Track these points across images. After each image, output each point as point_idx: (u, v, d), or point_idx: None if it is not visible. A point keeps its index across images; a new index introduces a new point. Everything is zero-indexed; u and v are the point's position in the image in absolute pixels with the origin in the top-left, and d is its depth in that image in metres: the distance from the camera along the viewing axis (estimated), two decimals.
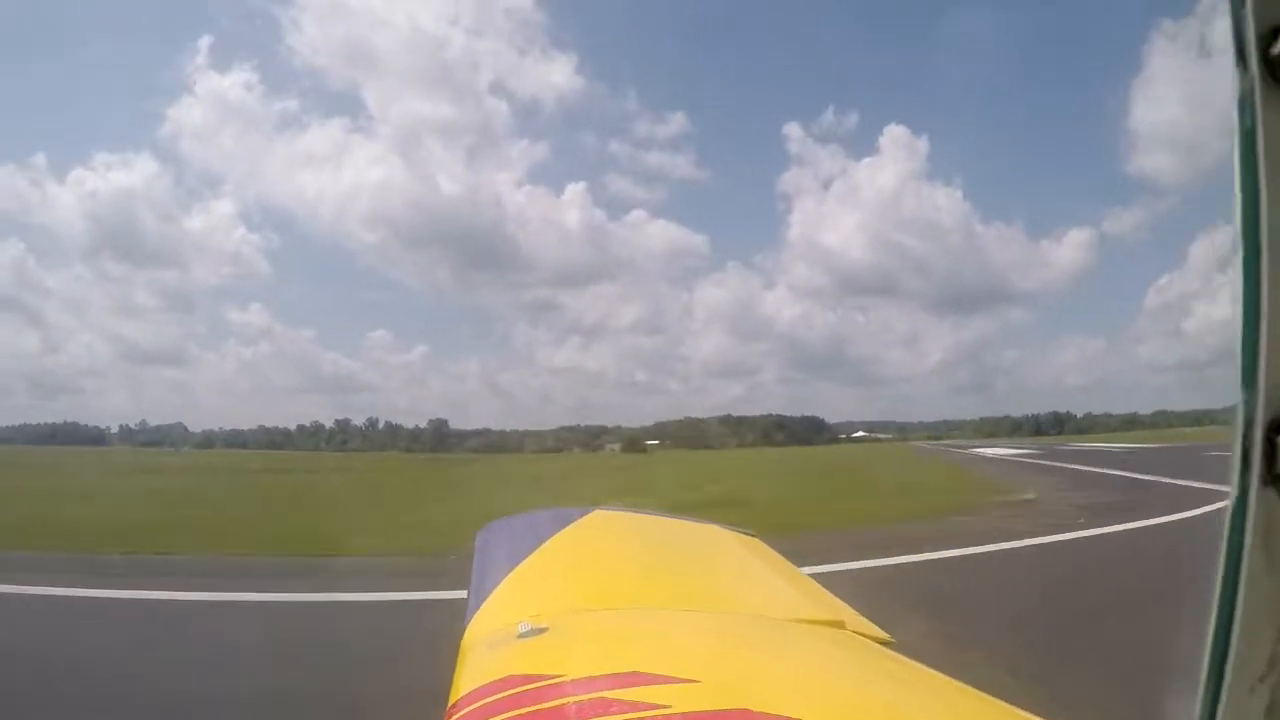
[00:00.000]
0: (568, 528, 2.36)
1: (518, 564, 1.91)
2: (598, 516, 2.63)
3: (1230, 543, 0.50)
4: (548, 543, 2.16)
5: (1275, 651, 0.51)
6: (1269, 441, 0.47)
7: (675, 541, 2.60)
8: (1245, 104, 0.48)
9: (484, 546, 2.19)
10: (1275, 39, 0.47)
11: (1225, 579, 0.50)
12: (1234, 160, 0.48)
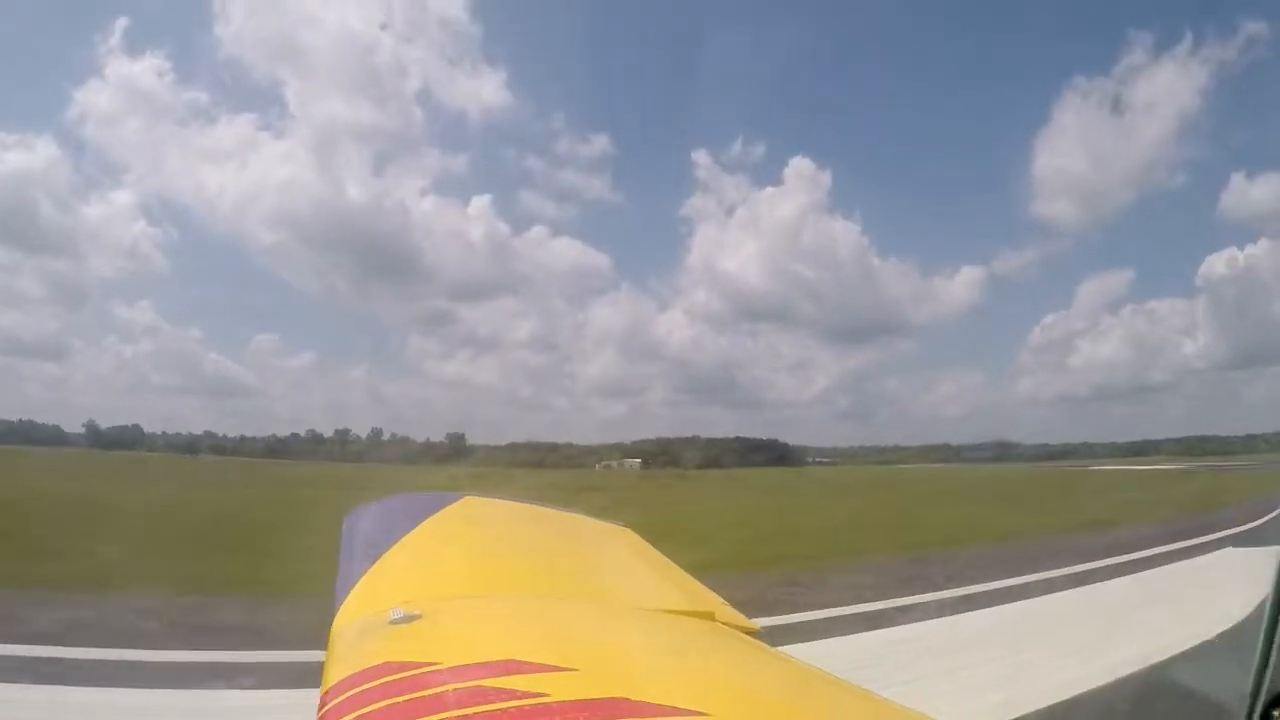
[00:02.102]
0: (437, 513, 2.31)
1: (387, 549, 1.84)
2: (468, 503, 2.59)
3: None
4: (417, 528, 2.10)
5: None
6: None
7: (547, 530, 2.60)
8: None
9: (352, 531, 2.10)
10: None
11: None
12: None
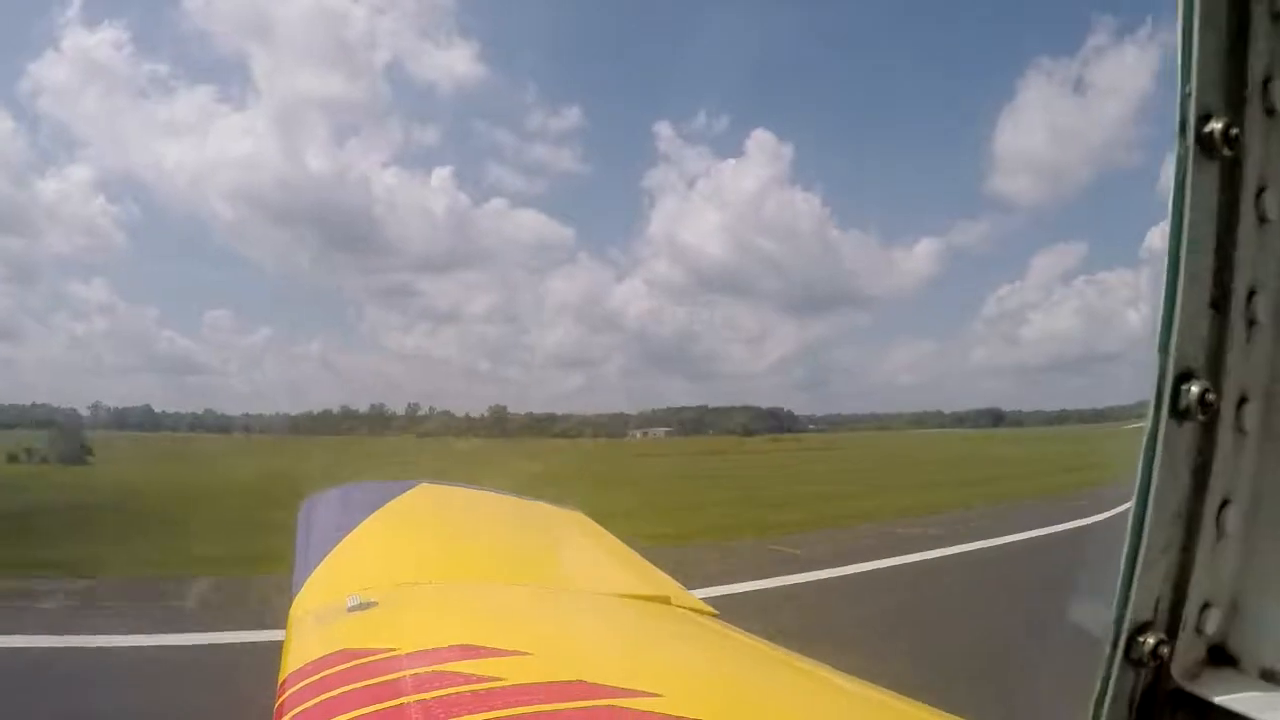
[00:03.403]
0: (393, 501, 2.30)
1: (343, 537, 1.84)
2: (423, 490, 2.59)
3: (1144, 465, 0.72)
4: (373, 516, 2.09)
5: (1171, 539, 0.73)
6: (1175, 388, 0.71)
7: (503, 517, 2.61)
8: (1181, 164, 0.70)
9: (308, 519, 2.08)
10: (1207, 121, 0.69)
11: (1139, 495, 0.73)
12: (1168, 201, 0.70)
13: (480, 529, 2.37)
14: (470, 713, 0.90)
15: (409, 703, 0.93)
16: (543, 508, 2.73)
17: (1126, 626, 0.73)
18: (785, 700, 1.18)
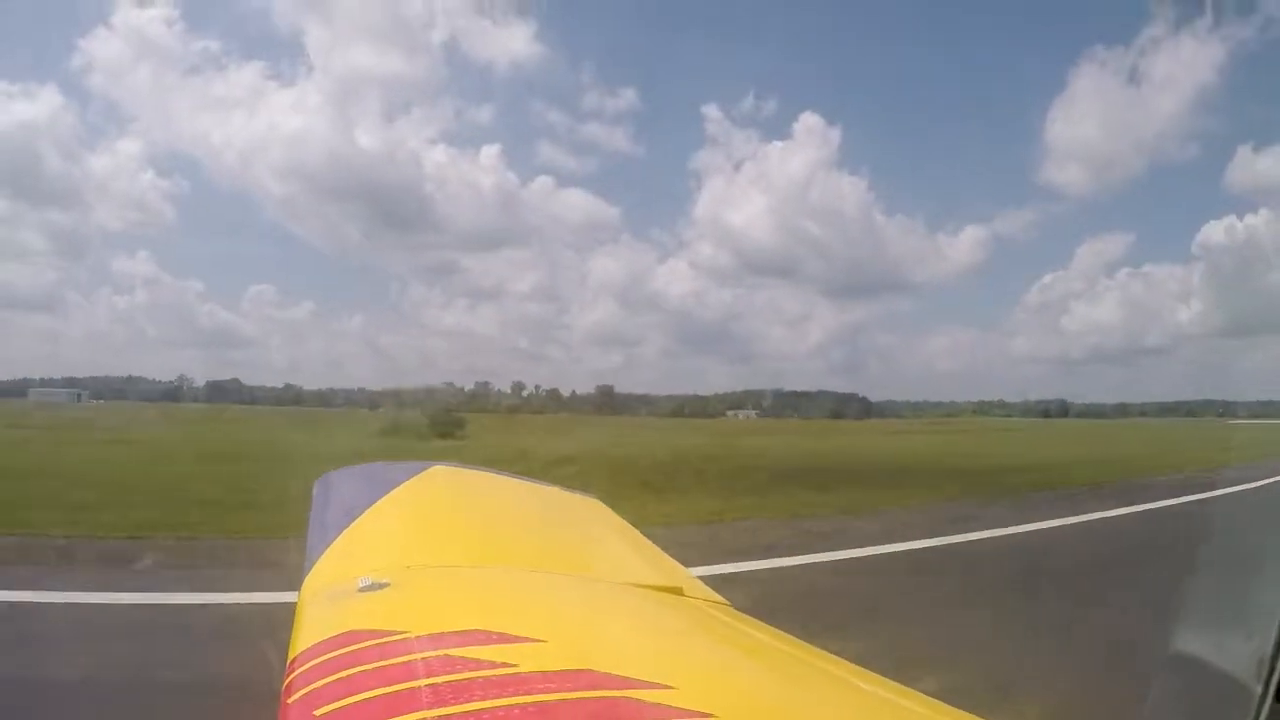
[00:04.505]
0: (407, 482, 2.30)
1: (356, 517, 1.83)
2: (437, 472, 2.58)
3: None
4: (386, 497, 2.09)
5: None
6: None
7: (518, 501, 2.60)
8: None
9: (321, 498, 2.08)
10: None
11: None
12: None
13: (495, 513, 2.37)
14: (482, 698, 0.89)
15: (420, 686, 0.92)
16: (558, 493, 2.72)
17: (1275, 684, 0.65)
18: (797, 693, 1.16)
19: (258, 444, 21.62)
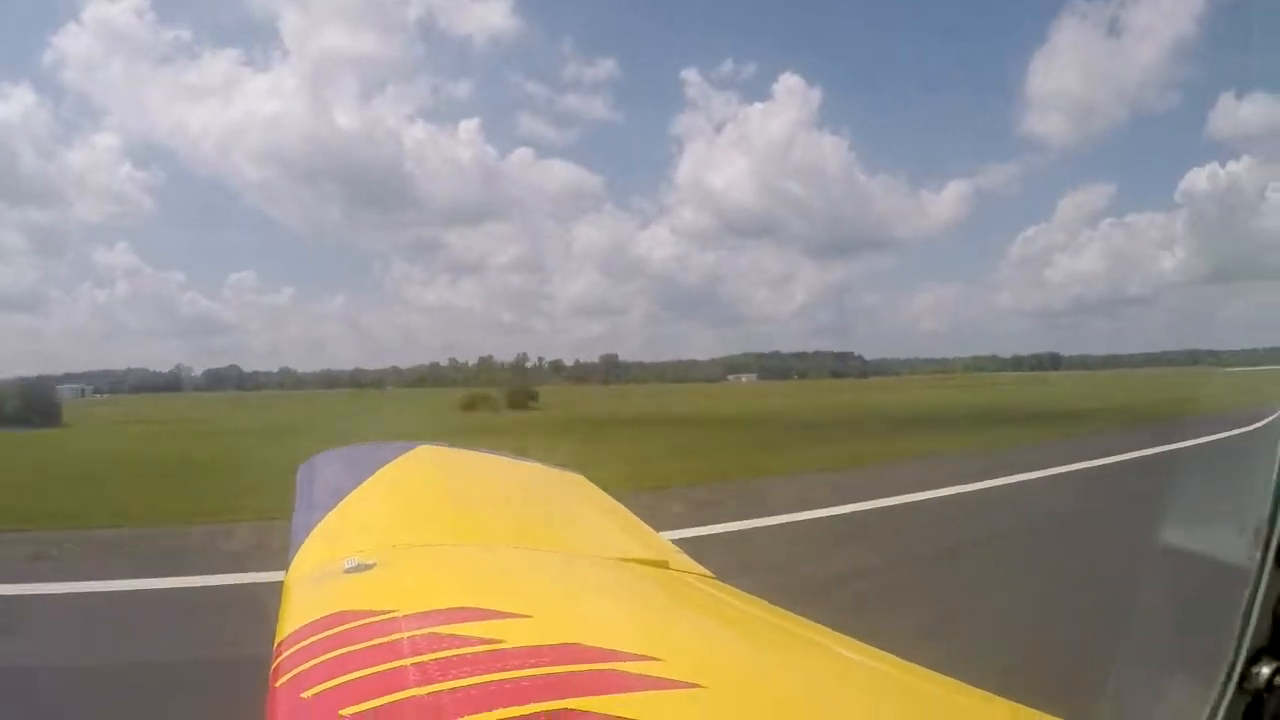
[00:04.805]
0: (392, 462, 2.30)
1: (341, 499, 1.83)
2: (422, 452, 2.58)
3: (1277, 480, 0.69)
4: (372, 478, 2.09)
5: None
6: None
7: (501, 479, 2.61)
8: None
9: (306, 480, 2.08)
10: None
11: (1272, 505, 0.70)
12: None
13: (480, 491, 2.37)
14: (469, 674, 0.90)
15: (407, 665, 0.93)
16: (542, 470, 2.73)
17: (1244, 652, 0.66)
18: (784, 663, 1.18)
19: (349, 423, 23.25)
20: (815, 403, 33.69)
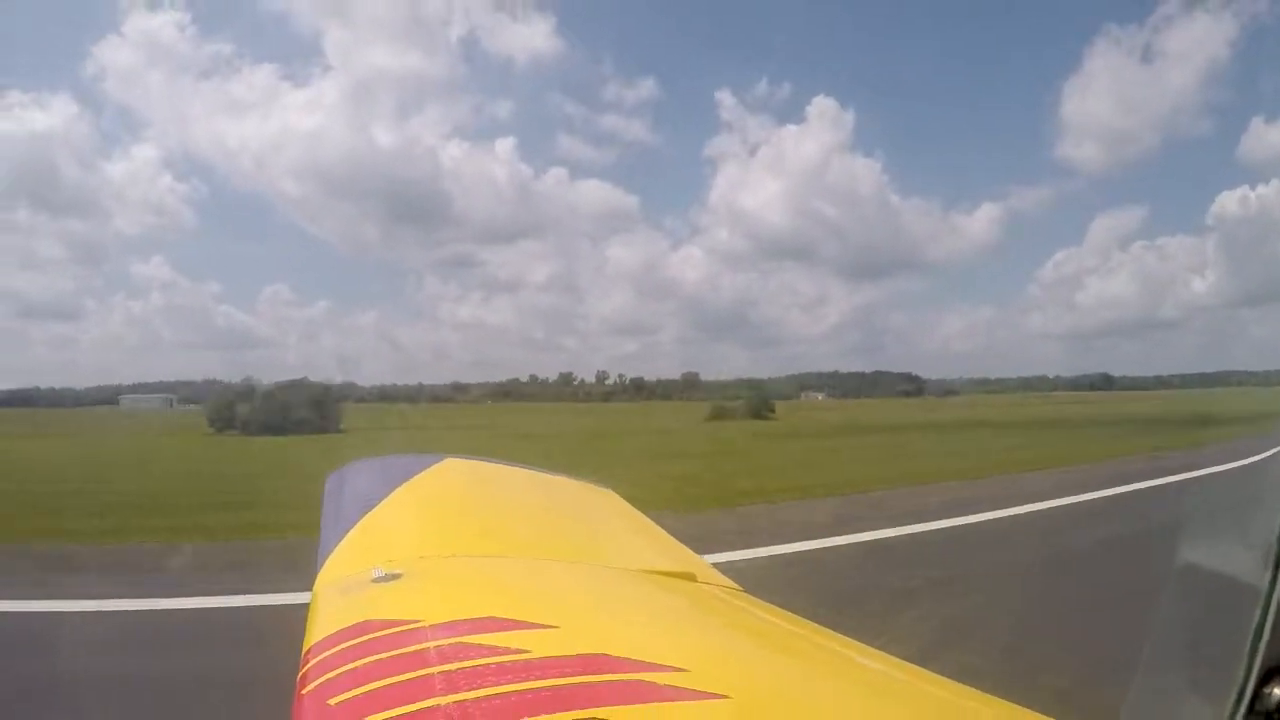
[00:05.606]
0: (419, 474, 2.31)
1: (370, 510, 1.85)
2: (450, 464, 2.59)
3: None
4: (399, 489, 2.10)
5: None
6: None
7: (529, 491, 2.61)
8: None
9: (334, 491, 2.10)
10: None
11: None
12: None
13: (507, 504, 2.38)
14: (496, 684, 0.90)
15: (434, 673, 0.93)
16: (570, 483, 2.72)
17: (1255, 673, 0.65)
18: (811, 675, 1.16)
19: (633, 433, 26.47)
20: (999, 415, 37.45)
